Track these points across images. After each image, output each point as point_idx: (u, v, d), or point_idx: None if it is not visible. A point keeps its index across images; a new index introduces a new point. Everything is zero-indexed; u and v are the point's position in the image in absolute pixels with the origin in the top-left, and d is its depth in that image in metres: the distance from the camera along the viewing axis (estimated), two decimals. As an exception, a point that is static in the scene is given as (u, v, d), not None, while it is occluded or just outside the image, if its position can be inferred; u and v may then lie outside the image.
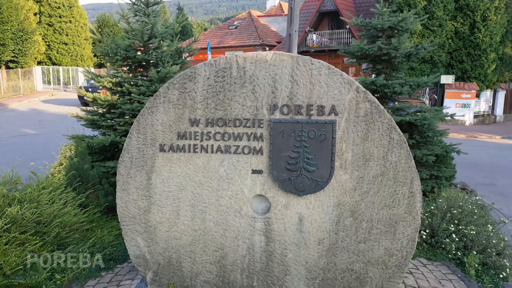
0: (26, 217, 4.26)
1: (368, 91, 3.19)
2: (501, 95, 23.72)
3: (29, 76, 30.33)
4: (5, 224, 4.08)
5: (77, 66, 36.33)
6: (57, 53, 35.55)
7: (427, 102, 21.71)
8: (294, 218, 3.34)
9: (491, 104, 23.11)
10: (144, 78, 6.61)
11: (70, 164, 5.77)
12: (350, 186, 3.25)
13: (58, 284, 3.91)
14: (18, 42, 28.29)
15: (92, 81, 22.17)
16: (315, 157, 3.24)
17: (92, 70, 36.88)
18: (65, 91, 33.64)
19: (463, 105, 20.98)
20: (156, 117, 3.46)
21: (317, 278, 3.37)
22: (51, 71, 33.75)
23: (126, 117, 6.54)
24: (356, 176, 3.24)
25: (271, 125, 3.27)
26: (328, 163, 3.23)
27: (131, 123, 6.44)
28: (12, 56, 28.32)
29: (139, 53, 6.69)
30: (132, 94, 6.38)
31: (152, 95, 6.51)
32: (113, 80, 6.75)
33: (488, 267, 4.42)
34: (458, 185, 8.16)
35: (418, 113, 6.63)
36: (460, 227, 4.82)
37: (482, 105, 22.30)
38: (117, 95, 6.55)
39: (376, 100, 3.18)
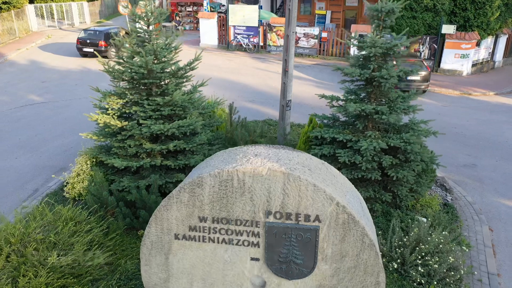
0: (63, 264, 5.14)
1: (346, 205, 3.85)
2: (502, 40, 23.49)
3: (22, 16, 29.54)
4: (48, 274, 4.97)
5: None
6: (48, -15, 34.15)
7: (426, 51, 21.67)
8: (284, 293, 4.20)
9: (491, 51, 23.00)
10: (150, 99, 7.06)
11: (90, 192, 6.53)
12: (329, 274, 4.07)
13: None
14: (8, -18, 27.20)
15: (89, 31, 21.89)
16: (302, 253, 4.01)
17: (86, 4, 35.60)
18: (60, 29, 32.93)
19: (462, 56, 20.98)
20: (170, 213, 4.16)
21: (302, 334, 4.32)
22: (44, 9, 32.71)
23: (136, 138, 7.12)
24: (334, 267, 4.04)
25: (266, 228, 3.98)
26: (312, 257, 4.00)
27: (140, 144, 7.09)
28: (4, -3, 27.42)
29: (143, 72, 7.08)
30: (140, 120, 6.93)
31: (158, 118, 7.08)
32: (121, 101, 7.24)
33: (445, 297, 5.40)
34: (438, 181, 8.98)
35: (404, 127, 7.23)
36: (427, 257, 5.72)
37: (482, 53, 22.21)
38: (126, 121, 7.07)
39: (352, 212, 3.86)
